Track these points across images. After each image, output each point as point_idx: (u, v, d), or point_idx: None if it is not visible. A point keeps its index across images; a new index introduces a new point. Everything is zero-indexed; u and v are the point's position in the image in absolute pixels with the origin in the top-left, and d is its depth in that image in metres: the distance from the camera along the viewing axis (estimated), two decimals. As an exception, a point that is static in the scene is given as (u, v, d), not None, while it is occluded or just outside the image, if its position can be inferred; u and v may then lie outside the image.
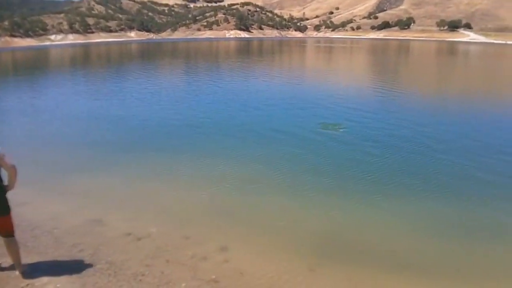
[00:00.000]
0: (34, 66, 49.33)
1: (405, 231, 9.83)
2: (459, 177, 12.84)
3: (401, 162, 14.12)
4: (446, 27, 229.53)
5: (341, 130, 18.30)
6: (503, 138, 17.69)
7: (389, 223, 10.12)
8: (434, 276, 8.06)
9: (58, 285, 7.26)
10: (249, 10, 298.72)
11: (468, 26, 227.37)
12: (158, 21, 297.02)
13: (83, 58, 58.60)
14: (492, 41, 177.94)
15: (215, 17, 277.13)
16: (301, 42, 66.88)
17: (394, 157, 14.58)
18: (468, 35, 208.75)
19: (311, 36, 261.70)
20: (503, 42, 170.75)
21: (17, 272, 7.48)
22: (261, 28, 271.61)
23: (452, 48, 75.65)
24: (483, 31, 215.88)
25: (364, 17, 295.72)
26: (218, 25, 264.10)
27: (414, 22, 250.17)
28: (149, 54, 62.24)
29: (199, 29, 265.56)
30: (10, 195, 9.64)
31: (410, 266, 8.34)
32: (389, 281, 7.83)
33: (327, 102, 25.22)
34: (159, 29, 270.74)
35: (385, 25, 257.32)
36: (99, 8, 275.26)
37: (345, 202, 11.11)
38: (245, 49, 71.76)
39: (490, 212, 10.65)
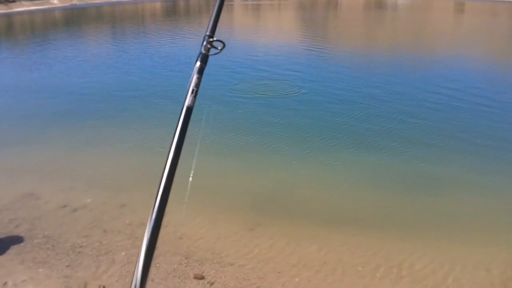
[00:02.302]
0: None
1: (345, 186, 10.36)
2: (400, 131, 13.56)
3: (342, 118, 14.69)
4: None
5: (272, 89, 18.87)
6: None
7: (329, 179, 10.62)
8: (374, 229, 8.59)
9: (-4, 264, 7.74)
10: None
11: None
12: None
13: (6, 29, 56.75)
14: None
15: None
16: (229, 1, 66.68)
17: (333, 115, 15.11)
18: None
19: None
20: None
21: None
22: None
23: (380, 2, 76.47)
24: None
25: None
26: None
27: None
28: (74, 21, 60.73)
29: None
30: None
31: (350, 220, 8.91)
32: (329, 236, 8.33)
33: (260, 63, 25.64)
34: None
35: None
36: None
37: (283, 161, 11.62)
38: (171, 10, 70.69)
39: (430, 166, 11.32)
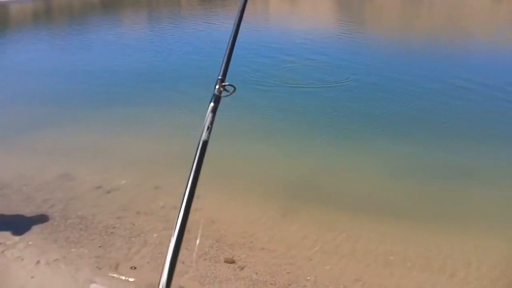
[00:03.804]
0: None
1: (379, 174, 10.35)
2: (440, 120, 13.51)
3: (377, 106, 14.61)
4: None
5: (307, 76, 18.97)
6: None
7: (364, 167, 10.59)
8: (407, 219, 8.58)
9: (30, 242, 7.92)
10: None
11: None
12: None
13: (45, 13, 57.81)
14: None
15: None
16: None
17: (369, 102, 15.09)
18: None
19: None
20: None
21: None
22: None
23: None
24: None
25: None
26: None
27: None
28: (111, 5, 61.45)
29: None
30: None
31: (382, 209, 8.90)
32: (360, 224, 8.36)
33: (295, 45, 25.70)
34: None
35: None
36: None
37: (317, 147, 11.69)
38: None
39: (467, 153, 11.31)
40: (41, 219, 8.76)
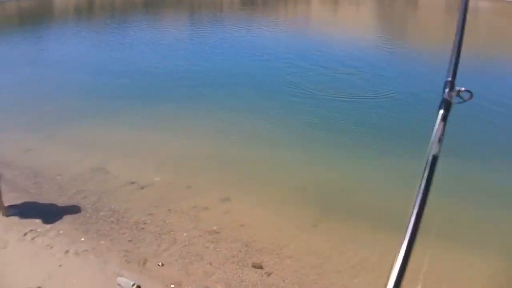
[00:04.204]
0: (40, 17, 49.85)
1: (413, 191, 10.28)
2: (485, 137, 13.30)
3: (415, 120, 14.31)
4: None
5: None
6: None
7: (397, 183, 10.49)
8: (437, 237, 8.64)
9: (61, 231, 8.06)
10: None
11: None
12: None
13: (87, 10, 58.71)
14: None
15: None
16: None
17: (406, 114, 14.98)
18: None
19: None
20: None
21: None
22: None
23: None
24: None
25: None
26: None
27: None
28: (153, 4, 62.10)
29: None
30: (14, 141, 10.67)
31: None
32: (390, 240, 8.44)
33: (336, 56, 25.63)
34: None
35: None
36: None
37: (351, 158, 11.59)
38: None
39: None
40: (73, 209, 8.88)
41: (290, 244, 8.06)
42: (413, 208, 1.62)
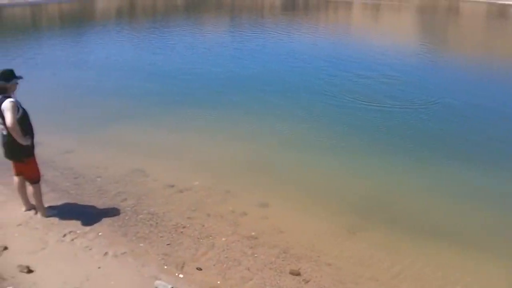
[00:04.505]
0: (81, 18, 50.76)
1: (452, 202, 10.02)
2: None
3: (458, 129, 14.38)
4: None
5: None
6: None
7: (436, 191, 10.34)
8: (476, 249, 8.31)
9: (100, 233, 8.11)
10: None
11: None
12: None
13: (129, 12, 59.54)
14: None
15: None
16: None
17: (444, 124, 14.82)
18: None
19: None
20: None
21: (39, 214, 8.59)
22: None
23: (503, 12, 71.82)
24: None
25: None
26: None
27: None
28: (194, 8, 62.64)
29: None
30: (55, 143, 10.80)
31: (453, 237, 8.61)
32: (429, 250, 8.13)
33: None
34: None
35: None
36: None
37: (391, 166, 11.52)
38: (290, 4, 71.14)
39: None
40: (113, 211, 8.95)
41: (328, 251, 8.01)
42: None
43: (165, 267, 7.31)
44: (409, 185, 10.73)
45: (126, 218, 8.74)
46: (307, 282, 7.14)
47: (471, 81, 22.20)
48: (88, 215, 8.78)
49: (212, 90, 18.45)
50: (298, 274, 7.30)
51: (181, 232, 8.32)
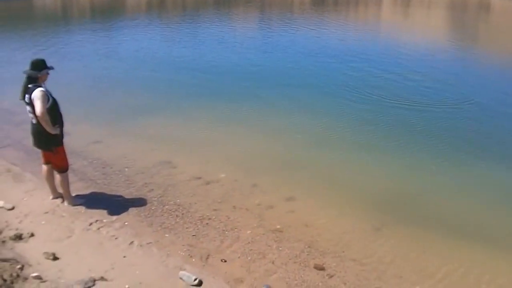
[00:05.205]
0: (111, 10, 51.18)
1: (483, 201, 9.84)
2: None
3: (490, 130, 14.03)
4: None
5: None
6: None
7: (467, 192, 10.17)
8: (508, 249, 8.17)
9: (126, 223, 8.20)
10: None
11: None
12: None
13: (159, 5, 59.86)
14: None
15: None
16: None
17: (481, 124, 14.46)
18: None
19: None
20: None
21: (66, 203, 8.75)
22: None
23: None
24: None
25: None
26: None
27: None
28: (224, 2, 62.72)
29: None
30: (84, 133, 10.97)
31: (480, 237, 8.45)
32: (455, 248, 8.00)
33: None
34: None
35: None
36: None
37: (419, 165, 11.33)
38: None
39: None
40: (139, 202, 9.05)
41: (353, 247, 7.97)
42: None
43: (190, 258, 7.35)
44: (438, 184, 10.60)
45: (153, 208, 8.81)
46: (331, 277, 7.12)
47: (503, 80, 21.81)
48: (114, 204, 8.89)
49: (241, 85, 18.46)
50: (323, 268, 7.28)
51: (207, 223, 8.36)
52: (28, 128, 8.41)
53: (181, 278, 6.69)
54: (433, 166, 11.23)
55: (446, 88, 18.54)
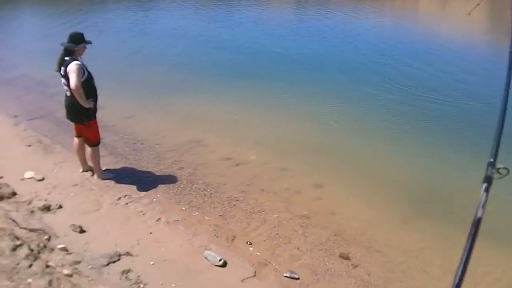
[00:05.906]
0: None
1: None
2: None
3: None
4: None
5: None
6: None
7: (501, 190, 10.05)
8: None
9: (154, 199, 8.28)
10: None
11: None
12: None
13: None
14: None
15: None
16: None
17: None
18: None
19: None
20: None
21: (95, 176, 8.85)
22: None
23: None
24: None
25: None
26: None
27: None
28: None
29: None
30: (117, 107, 11.03)
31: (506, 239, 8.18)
32: (485, 248, 7.86)
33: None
34: None
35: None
36: None
37: (452, 160, 11.09)
38: None
39: None
40: (169, 179, 9.11)
41: (379, 238, 7.90)
42: (459, 264, 2.01)
43: (216, 238, 7.38)
44: (469, 180, 10.39)
45: (181, 186, 8.87)
46: (355, 267, 7.08)
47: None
48: (144, 180, 8.98)
49: (275, 68, 18.27)
50: (348, 258, 7.25)
51: (234, 205, 8.38)
52: (61, 100, 8.49)
53: (206, 258, 6.72)
54: (466, 162, 11.04)
55: (483, 82, 18.20)
